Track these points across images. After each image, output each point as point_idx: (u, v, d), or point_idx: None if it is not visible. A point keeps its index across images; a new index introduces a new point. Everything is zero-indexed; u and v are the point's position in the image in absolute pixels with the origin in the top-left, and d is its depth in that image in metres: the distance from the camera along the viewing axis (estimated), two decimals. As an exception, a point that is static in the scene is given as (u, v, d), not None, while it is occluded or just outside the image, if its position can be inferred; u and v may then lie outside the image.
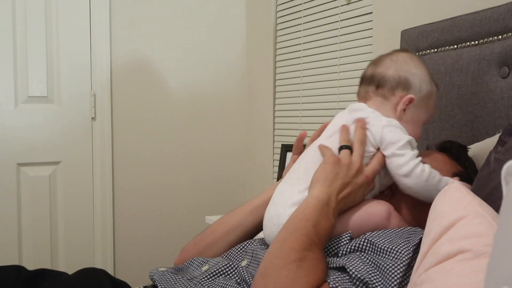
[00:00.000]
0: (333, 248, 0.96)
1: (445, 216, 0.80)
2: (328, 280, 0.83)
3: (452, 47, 1.55)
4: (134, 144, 2.68)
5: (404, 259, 0.85)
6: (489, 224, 0.74)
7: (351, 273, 0.83)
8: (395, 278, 0.83)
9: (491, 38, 1.43)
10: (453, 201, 0.83)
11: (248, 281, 0.94)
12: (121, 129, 2.64)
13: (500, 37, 1.40)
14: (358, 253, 0.90)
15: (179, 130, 2.80)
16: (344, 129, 1.09)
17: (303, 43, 2.54)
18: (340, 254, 0.93)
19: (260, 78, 2.86)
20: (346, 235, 0.97)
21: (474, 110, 1.44)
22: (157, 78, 2.72)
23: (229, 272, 1.02)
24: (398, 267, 0.84)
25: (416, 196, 1.05)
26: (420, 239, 0.89)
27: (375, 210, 1.03)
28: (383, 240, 0.91)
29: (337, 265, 0.86)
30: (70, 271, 1.06)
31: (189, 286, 0.97)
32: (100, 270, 1.06)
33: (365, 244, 0.92)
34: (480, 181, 1.01)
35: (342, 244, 0.96)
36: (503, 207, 0.54)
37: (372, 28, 2.12)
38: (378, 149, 1.08)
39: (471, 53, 1.47)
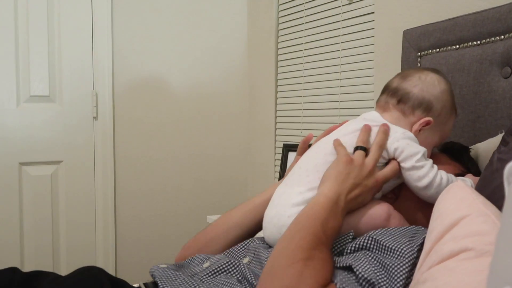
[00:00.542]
0: (338, 247, 0.95)
1: (448, 215, 0.80)
2: (335, 281, 0.83)
3: (454, 47, 1.55)
4: (135, 143, 2.68)
5: (409, 259, 0.85)
6: (493, 223, 0.74)
7: (357, 273, 0.83)
8: (401, 278, 0.83)
9: (493, 38, 1.43)
10: (457, 199, 0.83)
11: (249, 279, 0.94)
12: (123, 129, 2.64)
13: (502, 37, 1.40)
14: (364, 252, 0.90)
15: (181, 130, 2.80)
16: (365, 129, 1.08)
17: (305, 43, 2.54)
18: (345, 253, 0.93)
19: (262, 78, 2.86)
20: (349, 234, 0.97)
21: (476, 110, 1.44)
22: (158, 78, 2.72)
23: (230, 269, 1.02)
24: (403, 267, 0.84)
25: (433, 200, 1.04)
26: (424, 239, 0.89)
27: (374, 212, 1.03)
28: (388, 238, 0.91)
29: (344, 265, 0.86)
30: (71, 269, 1.06)
31: (189, 283, 0.96)
32: (98, 268, 1.06)
33: (370, 242, 0.92)
34: (483, 180, 1.01)
35: (346, 242, 0.96)
36: (506, 206, 0.54)
37: (373, 28, 2.12)
38: (389, 160, 1.07)
39: (473, 53, 1.47)
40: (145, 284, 1.03)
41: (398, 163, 1.06)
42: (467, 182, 1.06)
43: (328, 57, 2.39)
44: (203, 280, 1.00)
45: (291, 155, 2.42)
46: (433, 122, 1.10)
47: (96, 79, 2.56)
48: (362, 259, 0.87)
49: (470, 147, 1.26)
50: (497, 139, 1.17)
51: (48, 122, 2.47)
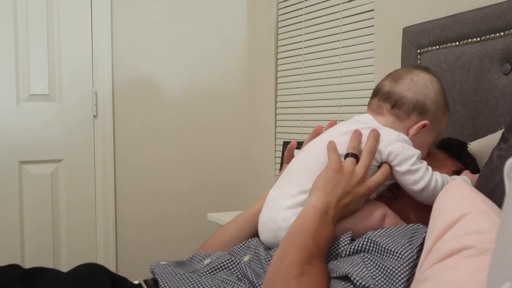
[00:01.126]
0: (335, 249, 0.95)
1: (448, 213, 0.80)
2: None
3: (454, 44, 1.55)
4: (135, 141, 2.68)
5: (409, 261, 0.85)
6: (493, 221, 0.74)
7: (355, 281, 0.82)
8: (401, 281, 0.82)
9: (493, 35, 1.43)
10: (457, 198, 0.83)
11: (249, 277, 0.94)
12: (123, 127, 2.64)
13: (502, 33, 1.40)
14: (361, 255, 0.89)
15: (181, 128, 2.80)
16: (356, 135, 1.06)
17: (305, 41, 2.54)
18: (343, 255, 0.93)
19: (262, 76, 2.86)
20: (347, 236, 0.97)
21: (476, 107, 1.44)
22: (158, 77, 2.72)
23: (231, 267, 1.02)
24: (404, 269, 0.84)
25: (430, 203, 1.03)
26: (424, 239, 0.89)
27: (369, 213, 1.03)
28: (386, 240, 0.90)
29: (340, 274, 0.85)
30: (72, 266, 1.06)
31: (190, 279, 0.96)
32: (98, 265, 1.06)
33: (368, 244, 0.91)
34: (483, 178, 1.01)
35: (343, 244, 0.95)
36: (506, 203, 0.54)
37: (373, 25, 2.12)
38: (381, 163, 1.06)
39: (473, 50, 1.47)
40: (145, 281, 1.03)
41: (391, 166, 1.05)
42: (466, 180, 1.05)
43: (328, 55, 2.39)
44: (203, 276, 1.00)
45: (291, 153, 2.42)
46: (429, 124, 1.09)
47: (95, 78, 2.55)
48: (360, 264, 0.86)
49: (468, 143, 1.25)
50: (497, 135, 1.17)
51: (48, 120, 2.47)
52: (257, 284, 0.91)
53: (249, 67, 2.97)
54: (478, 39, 1.47)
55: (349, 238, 0.96)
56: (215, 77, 2.88)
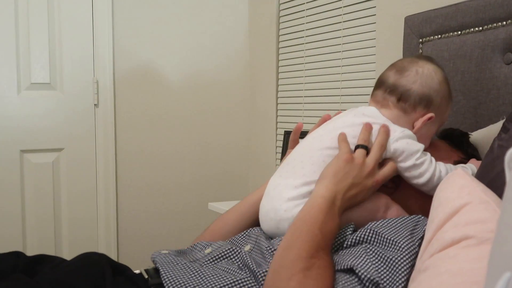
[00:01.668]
0: (338, 240, 0.95)
1: (449, 203, 0.80)
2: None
3: (456, 33, 1.54)
4: (136, 130, 2.68)
5: (411, 253, 0.85)
6: (493, 210, 0.74)
7: (360, 274, 0.82)
8: (404, 273, 0.82)
9: (495, 24, 1.42)
10: (457, 187, 0.83)
11: (250, 266, 0.94)
12: (124, 116, 2.64)
13: (504, 23, 1.40)
14: (364, 246, 0.89)
15: (182, 117, 2.79)
16: (367, 128, 1.06)
17: (306, 30, 2.53)
18: (345, 246, 0.93)
19: (263, 65, 2.85)
20: (349, 226, 0.97)
21: (478, 97, 1.44)
22: (159, 65, 2.71)
23: (231, 256, 1.02)
24: (406, 261, 0.84)
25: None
26: (424, 231, 0.89)
27: (372, 204, 1.03)
28: (388, 231, 0.91)
29: (345, 267, 0.85)
30: (74, 253, 1.06)
31: (191, 268, 0.97)
32: (99, 254, 1.06)
33: (370, 234, 0.91)
34: (484, 168, 1.01)
35: (345, 235, 0.95)
36: (506, 193, 0.54)
37: (375, 14, 2.11)
38: (384, 159, 1.06)
39: (475, 39, 1.46)
40: (146, 270, 1.04)
41: (397, 162, 1.05)
42: (467, 170, 1.05)
43: (330, 44, 2.38)
44: (205, 265, 1.00)
45: (292, 142, 2.42)
46: (434, 116, 1.09)
47: (96, 67, 2.55)
48: (363, 256, 0.86)
49: (469, 133, 1.25)
50: (499, 125, 1.17)
51: (49, 109, 2.47)
52: (257, 273, 0.91)
53: (250, 55, 2.96)
54: (480, 28, 1.46)
55: (351, 229, 0.96)
56: (216, 66, 2.87)
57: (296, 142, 1.23)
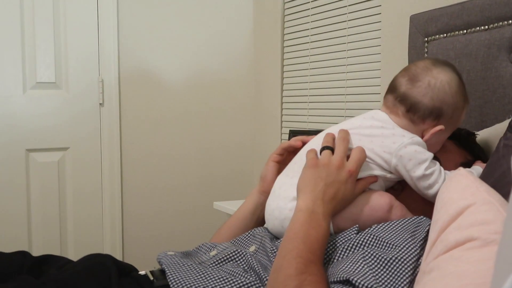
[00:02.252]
0: (340, 244, 0.94)
1: (452, 204, 0.79)
2: None
3: (461, 32, 1.53)
4: (142, 129, 2.68)
5: (412, 255, 0.85)
6: (497, 211, 0.73)
7: (357, 284, 0.80)
8: (406, 275, 0.82)
9: (501, 23, 1.41)
10: (460, 188, 0.82)
11: (256, 269, 0.94)
12: (129, 115, 2.64)
13: (510, 21, 1.39)
14: (361, 251, 0.88)
15: (187, 116, 2.80)
16: (328, 135, 1.07)
17: (311, 28, 2.53)
18: (345, 249, 0.92)
19: (268, 64, 2.85)
20: (354, 229, 0.96)
21: (484, 96, 1.43)
22: (164, 65, 2.72)
23: (237, 258, 1.02)
24: (407, 262, 0.84)
25: None
26: (427, 231, 0.88)
27: (376, 203, 1.02)
28: (389, 235, 0.90)
29: (340, 278, 0.83)
30: (79, 251, 1.07)
31: (197, 270, 0.97)
32: (106, 255, 1.07)
33: (370, 239, 0.91)
34: (489, 167, 1.01)
35: (347, 239, 0.94)
36: (513, 193, 0.54)
37: (380, 13, 2.10)
38: (395, 172, 1.05)
39: (480, 38, 1.46)
40: (151, 272, 1.04)
41: (405, 171, 1.04)
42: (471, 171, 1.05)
43: (335, 43, 2.38)
44: (210, 268, 1.00)
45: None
46: (445, 126, 1.07)
47: (102, 66, 2.56)
48: (360, 262, 0.85)
49: (476, 133, 1.24)
50: (504, 124, 1.16)
51: (54, 108, 2.47)
52: (263, 277, 0.91)
53: (255, 55, 2.96)
54: (486, 27, 1.45)
55: (355, 232, 0.96)
56: (221, 66, 2.88)
57: (280, 155, 1.26)
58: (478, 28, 1.48)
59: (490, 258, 0.65)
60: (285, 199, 1.06)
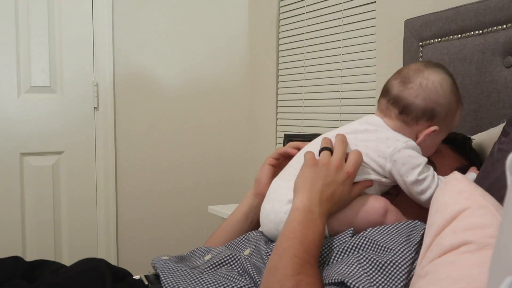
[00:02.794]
0: (335, 247, 0.94)
1: (447, 208, 0.79)
2: None
3: (456, 36, 1.54)
4: (136, 133, 2.68)
5: (407, 258, 0.85)
6: (492, 215, 0.74)
7: (352, 286, 0.80)
8: (401, 278, 0.82)
9: (495, 28, 1.42)
10: (455, 192, 0.82)
11: (250, 272, 0.94)
12: (124, 119, 2.64)
13: (504, 26, 1.40)
14: (356, 254, 0.88)
15: (181, 120, 2.79)
16: (326, 138, 1.08)
17: (306, 33, 2.53)
18: (339, 252, 0.92)
19: (263, 68, 2.85)
20: (348, 232, 0.96)
21: (478, 100, 1.44)
22: (158, 69, 2.71)
23: (231, 262, 1.02)
24: (402, 265, 0.83)
25: None
26: (422, 236, 0.88)
27: (371, 207, 1.02)
28: (383, 238, 0.90)
29: (335, 281, 0.83)
30: (73, 257, 1.06)
31: (191, 275, 0.96)
32: (100, 260, 1.06)
33: (365, 242, 0.91)
34: (484, 171, 1.01)
35: (341, 242, 0.94)
36: (508, 198, 0.54)
37: (375, 18, 2.11)
38: (390, 176, 1.05)
39: (475, 42, 1.47)
40: (146, 276, 1.03)
41: (399, 175, 1.04)
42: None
43: (330, 47, 2.38)
44: (205, 273, 1.00)
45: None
46: (439, 127, 1.07)
47: (97, 70, 2.55)
48: (355, 265, 0.85)
49: (472, 138, 1.25)
50: (499, 129, 1.17)
51: (49, 112, 2.47)
52: (257, 280, 0.91)
53: (250, 59, 2.96)
54: (480, 31, 1.46)
55: (350, 235, 0.96)
56: (216, 70, 2.87)
57: (277, 159, 1.26)
58: (472, 32, 1.49)
59: (485, 262, 0.65)
60: (280, 202, 1.05)
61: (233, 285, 0.91)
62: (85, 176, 2.57)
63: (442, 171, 1.09)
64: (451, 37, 1.55)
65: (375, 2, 2.11)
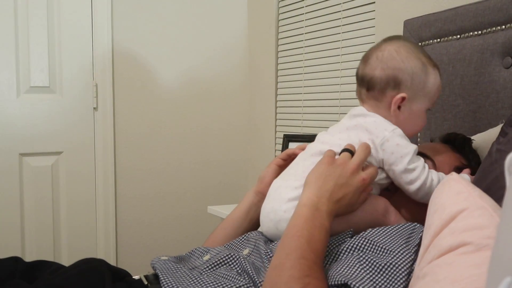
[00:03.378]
0: (334, 247, 0.94)
1: (445, 209, 0.79)
2: None
3: (455, 37, 1.54)
4: (136, 134, 2.68)
5: (407, 260, 0.85)
6: (490, 216, 0.73)
7: None
8: (401, 280, 0.82)
9: (494, 28, 1.42)
10: (453, 193, 0.82)
11: (249, 271, 0.94)
12: (123, 120, 2.64)
13: (503, 27, 1.40)
14: (356, 255, 0.87)
15: (181, 120, 2.79)
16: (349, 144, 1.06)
17: (305, 33, 2.53)
18: (340, 253, 0.92)
19: (262, 68, 2.85)
20: (348, 233, 0.96)
21: (477, 101, 1.44)
22: (158, 69, 2.72)
23: (230, 262, 1.02)
24: (402, 267, 0.83)
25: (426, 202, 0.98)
26: (421, 238, 0.88)
27: (372, 206, 1.02)
28: (383, 239, 0.90)
29: (338, 282, 0.82)
30: (72, 257, 1.06)
31: (190, 275, 0.96)
32: (99, 260, 1.06)
33: (364, 243, 0.90)
34: (482, 171, 1.01)
35: (341, 243, 0.94)
36: (506, 198, 0.54)
37: (374, 18, 2.11)
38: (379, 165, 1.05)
39: (474, 43, 1.47)
40: (145, 276, 1.03)
41: (389, 165, 1.04)
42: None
43: (329, 47, 2.38)
44: (204, 273, 1.00)
45: (292, 146, 2.42)
46: (409, 94, 1.05)
47: (96, 70, 2.55)
48: (357, 266, 0.84)
49: (472, 138, 1.25)
50: (498, 129, 1.17)
51: (48, 112, 2.47)
52: (256, 280, 0.91)
53: (250, 60, 2.96)
54: (479, 32, 1.46)
55: (349, 235, 0.96)
56: (215, 71, 2.87)
57: (283, 159, 1.26)
58: (471, 33, 1.49)
59: (484, 263, 0.65)
60: (280, 201, 1.05)
61: (232, 284, 0.91)
62: (84, 176, 2.57)
63: (442, 169, 1.09)
64: (450, 37, 1.55)
65: (374, 2, 2.11)
